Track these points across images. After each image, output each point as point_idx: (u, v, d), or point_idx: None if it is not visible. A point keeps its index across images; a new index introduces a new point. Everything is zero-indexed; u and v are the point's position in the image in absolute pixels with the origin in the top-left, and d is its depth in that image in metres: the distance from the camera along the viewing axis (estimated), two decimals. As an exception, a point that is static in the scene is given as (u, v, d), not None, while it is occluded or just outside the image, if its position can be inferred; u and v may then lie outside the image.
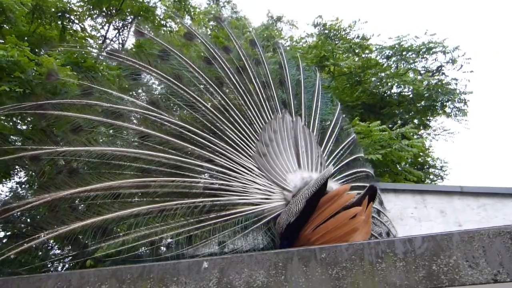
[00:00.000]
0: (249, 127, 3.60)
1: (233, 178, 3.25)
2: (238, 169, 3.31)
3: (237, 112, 3.61)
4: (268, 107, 3.85)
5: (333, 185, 3.20)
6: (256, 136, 3.54)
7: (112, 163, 3.09)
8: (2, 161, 3.14)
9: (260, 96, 3.85)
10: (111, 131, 3.26)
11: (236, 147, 3.41)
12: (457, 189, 6.69)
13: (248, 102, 3.75)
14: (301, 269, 1.58)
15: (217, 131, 3.44)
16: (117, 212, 2.91)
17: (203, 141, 3.33)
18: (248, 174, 3.31)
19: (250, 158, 3.38)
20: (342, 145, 4.16)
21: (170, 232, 3.02)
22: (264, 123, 3.69)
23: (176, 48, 3.70)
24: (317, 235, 2.83)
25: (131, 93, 3.53)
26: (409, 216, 6.33)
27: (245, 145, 3.46)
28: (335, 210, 2.83)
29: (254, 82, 3.91)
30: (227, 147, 3.38)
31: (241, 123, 3.58)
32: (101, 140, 3.13)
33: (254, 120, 3.66)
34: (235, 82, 3.79)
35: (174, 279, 1.71)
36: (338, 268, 1.55)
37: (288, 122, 3.80)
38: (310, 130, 3.95)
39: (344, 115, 4.66)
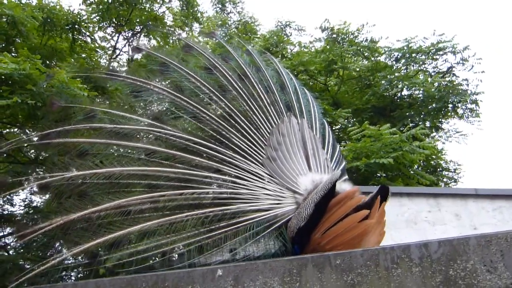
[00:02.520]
0: (256, 132, 3.56)
1: (243, 186, 3.24)
2: (247, 176, 3.29)
3: (242, 118, 3.58)
4: (274, 111, 3.81)
5: (344, 187, 3.15)
6: (264, 141, 3.50)
7: (121, 183, 3.12)
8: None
9: (265, 101, 3.81)
10: (117, 151, 3.31)
11: (244, 154, 3.39)
12: (472, 192, 6.59)
13: (253, 107, 3.71)
14: (316, 275, 1.57)
15: (224, 140, 3.43)
16: (128, 229, 2.95)
17: (210, 151, 3.33)
18: (257, 180, 3.29)
19: (259, 164, 3.36)
20: (338, 149, 4.15)
21: (181, 242, 3.05)
22: (271, 127, 3.64)
23: (176, 60, 3.70)
24: (327, 239, 2.81)
25: (137, 109, 3.57)
26: (423, 220, 6.25)
27: (253, 151, 3.44)
28: (344, 213, 2.79)
29: (257, 87, 3.88)
30: (235, 155, 3.36)
31: (247, 129, 3.54)
32: (107, 161, 3.14)
33: (261, 125, 3.61)
34: (238, 88, 3.78)
35: (189, 287, 1.72)
36: (353, 274, 1.54)
37: (294, 125, 3.76)
38: (314, 133, 3.92)
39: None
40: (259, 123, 3.63)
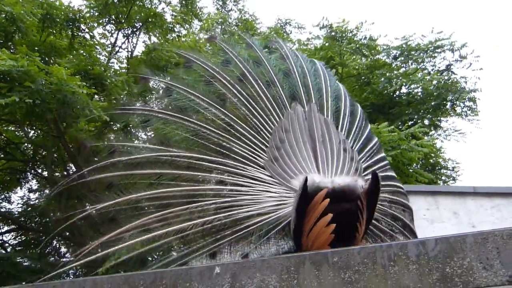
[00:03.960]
0: (257, 136, 3.58)
1: (245, 192, 3.28)
2: (249, 182, 3.34)
3: (242, 124, 3.63)
4: (276, 107, 3.77)
5: (359, 182, 3.11)
6: (265, 143, 3.54)
7: (138, 206, 3.42)
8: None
9: (265, 99, 3.77)
10: (133, 179, 3.57)
11: (245, 160, 3.44)
12: (470, 190, 6.61)
13: (253, 110, 3.71)
14: (314, 273, 1.57)
15: (225, 151, 3.51)
16: (146, 247, 3.25)
17: (212, 164, 3.44)
18: (260, 184, 3.31)
19: (261, 167, 3.40)
20: (358, 118, 4.06)
21: (193, 254, 3.23)
22: (273, 126, 3.64)
23: (179, 82, 3.86)
24: (310, 243, 2.88)
25: (148, 136, 3.82)
26: (421, 217, 6.27)
27: (254, 156, 3.47)
28: (315, 217, 2.82)
29: (257, 85, 3.86)
30: (236, 163, 3.42)
31: (247, 134, 3.58)
32: (126, 190, 3.45)
33: (262, 127, 3.62)
34: (237, 93, 3.80)
35: (186, 285, 1.72)
36: (351, 272, 1.54)
37: (300, 115, 3.67)
38: (325, 114, 3.84)
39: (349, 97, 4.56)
40: (260, 125, 3.64)
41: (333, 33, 14.61)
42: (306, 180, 2.79)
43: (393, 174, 4.13)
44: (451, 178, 14.03)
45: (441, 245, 1.50)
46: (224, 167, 3.40)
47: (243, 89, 3.79)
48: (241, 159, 3.42)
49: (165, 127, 3.77)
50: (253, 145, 3.48)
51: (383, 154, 4.17)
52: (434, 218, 6.19)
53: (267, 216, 3.16)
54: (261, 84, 3.85)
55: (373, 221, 3.39)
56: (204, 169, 3.45)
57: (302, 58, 4.48)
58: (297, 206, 2.84)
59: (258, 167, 3.39)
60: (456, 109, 13.21)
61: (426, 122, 13.60)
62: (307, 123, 3.61)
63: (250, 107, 3.68)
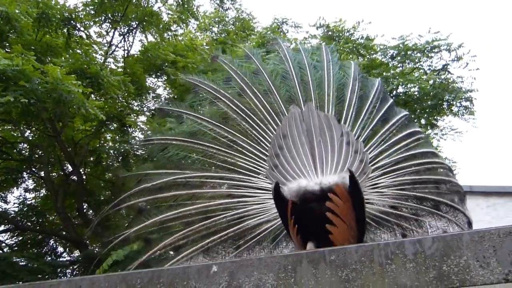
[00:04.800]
0: (257, 147, 3.71)
1: (252, 202, 3.47)
2: (255, 192, 3.52)
3: (243, 138, 3.79)
4: (273, 115, 3.85)
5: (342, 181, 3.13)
6: (265, 152, 3.65)
7: (163, 226, 3.76)
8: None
9: (263, 110, 3.89)
10: (157, 203, 3.96)
11: (249, 172, 3.61)
12: (467, 189, 6.62)
13: (252, 123, 3.86)
14: (311, 271, 1.57)
15: (230, 166, 3.72)
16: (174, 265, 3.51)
17: (220, 180, 3.71)
18: (265, 193, 3.45)
19: (264, 177, 3.54)
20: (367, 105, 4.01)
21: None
22: (272, 134, 3.74)
23: (189, 110, 4.14)
24: (295, 242, 3.04)
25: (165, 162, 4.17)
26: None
27: (257, 166, 3.62)
28: (288, 220, 2.97)
29: (255, 97, 3.99)
30: (241, 176, 3.61)
31: (249, 147, 3.73)
32: (152, 212, 3.84)
33: (262, 138, 3.77)
34: (237, 109, 3.95)
35: (184, 283, 1.72)
36: (348, 270, 1.54)
37: (297, 117, 3.71)
38: (326, 109, 3.87)
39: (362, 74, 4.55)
40: (260, 136, 3.79)
41: (330, 33, 14.62)
42: (276, 186, 2.91)
43: (423, 150, 4.01)
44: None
45: (438, 244, 1.51)
46: (231, 181, 3.64)
47: (243, 104, 3.98)
48: (246, 172, 3.61)
49: (179, 152, 4.09)
50: (255, 157, 3.65)
51: (410, 130, 4.07)
52: (430, 217, 6.20)
53: (275, 222, 3.39)
54: (259, 95, 3.95)
55: (389, 209, 3.48)
56: (214, 186, 3.73)
57: (303, 51, 4.50)
58: (278, 211, 3.02)
59: (261, 177, 3.55)
60: (452, 108, 13.25)
61: (423, 121, 13.63)
62: (305, 125, 3.64)
63: (250, 120, 3.84)
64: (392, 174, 3.62)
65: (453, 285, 1.41)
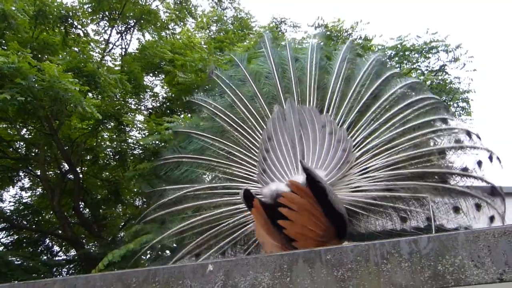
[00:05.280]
0: (248, 154, 3.83)
1: None
2: None
3: (237, 148, 3.93)
4: (259, 120, 3.92)
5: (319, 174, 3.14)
6: (255, 158, 3.75)
7: (183, 235, 4.01)
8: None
9: (250, 116, 3.98)
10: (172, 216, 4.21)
11: (244, 179, 3.74)
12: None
13: (242, 131, 3.98)
14: (307, 270, 1.58)
15: (231, 176, 3.89)
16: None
17: (225, 190, 3.88)
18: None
19: (255, 182, 3.66)
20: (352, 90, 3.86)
21: None
22: (259, 140, 3.82)
23: (198, 130, 4.36)
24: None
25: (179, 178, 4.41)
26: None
27: (249, 172, 3.72)
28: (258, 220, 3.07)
29: (243, 106, 4.13)
30: (239, 184, 3.74)
31: (241, 155, 3.87)
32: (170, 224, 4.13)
33: (251, 145, 3.87)
34: (229, 121, 4.09)
35: (179, 282, 1.72)
36: (344, 270, 1.55)
37: (280, 117, 3.75)
38: (308, 101, 3.84)
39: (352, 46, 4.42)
40: (250, 144, 3.86)
41: (328, 33, 14.62)
42: (243, 192, 2.95)
43: (428, 118, 3.71)
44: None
45: (433, 243, 1.51)
46: (234, 190, 3.75)
47: (234, 115, 4.03)
48: (242, 180, 3.73)
49: (189, 168, 4.31)
50: (248, 165, 3.72)
51: (410, 100, 3.80)
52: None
53: None
54: (247, 102, 4.05)
55: (384, 193, 3.31)
56: (220, 195, 3.86)
57: (288, 45, 4.48)
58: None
59: (253, 182, 3.67)
60: (449, 109, 13.29)
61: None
62: (287, 123, 3.67)
63: (241, 129, 3.95)
64: (385, 153, 3.47)
65: (448, 285, 1.41)
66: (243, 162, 3.83)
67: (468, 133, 3.75)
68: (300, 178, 3.00)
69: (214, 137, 4.11)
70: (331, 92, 3.88)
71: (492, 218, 3.44)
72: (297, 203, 2.82)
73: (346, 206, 3.21)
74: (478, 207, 3.49)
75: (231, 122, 4.09)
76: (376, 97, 3.86)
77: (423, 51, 13.06)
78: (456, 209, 3.50)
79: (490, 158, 3.60)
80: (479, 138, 3.74)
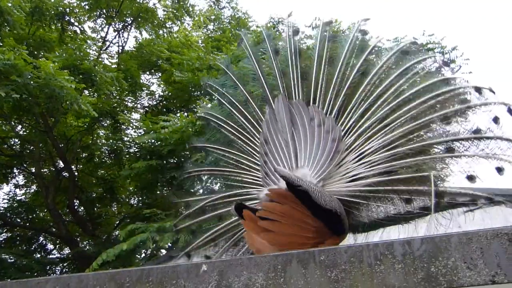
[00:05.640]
0: (251, 159, 3.79)
1: None
2: (258, 203, 3.64)
3: (242, 155, 3.88)
4: (255, 124, 3.87)
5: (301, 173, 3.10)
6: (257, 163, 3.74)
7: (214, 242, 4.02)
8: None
9: (247, 122, 3.94)
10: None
11: (253, 185, 3.71)
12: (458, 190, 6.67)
13: (243, 138, 3.95)
14: (300, 271, 1.58)
15: (242, 183, 3.88)
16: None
17: (235, 198, 3.85)
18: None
19: (261, 186, 3.62)
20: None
21: None
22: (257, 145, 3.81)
23: (210, 143, 4.39)
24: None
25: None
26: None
27: (256, 177, 3.69)
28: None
29: (239, 113, 4.07)
30: (249, 190, 3.72)
31: (246, 162, 3.82)
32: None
33: (253, 150, 3.81)
34: (231, 129, 4.06)
35: (173, 282, 1.71)
36: (337, 271, 1.55)
37: (272, 118, 3.62)
38: (294, 95, 3.67)
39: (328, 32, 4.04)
40: (251, 149, 3.84)
41: (325, 33, 14.64)
42: (234, 207, 2.90)
43: (427, 83, 3.37)
44: (439, 178, 14.16)
45: (427, 245, 1.52)
46: (243, 197, 3.73)
47: (234, 123, 4.00)
48: (251, 186, 3.71)
49: (208, 179, 4.40)
50: (254, 170, 3.68)
51: (403, 68, 3.47)
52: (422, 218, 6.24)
53: None
54: (241, 108, 3.97)
55: (383, 177, 3.07)
56: (232, 204, 3.82)
57: (267, 38, 4.27)
58: None
59: (262, 187, 3.59)
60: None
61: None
62: (279, 123, 3.55)
63: (241, 136, 3.89)
64: (380, 133, 3.19)
65: (440, 286, 1.42)
66: (250, 169, 3.77)
67: (478, 90, 3.26)
68: (308, 178, 2.96)
69: (224, 148, 4.15)
70: (314, 80, 3.60)
71: None
72: (279, 211, 2.73)
73: (344, 198, 3.03)
74: (500, 170, 3.13)
75: (233, 131, 4.04)
76: (364, 73, 3.53)
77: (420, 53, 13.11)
78: (471, 178, 3.20)
79: (510, 111, 3.16)
80: (493, 92, 3.24)
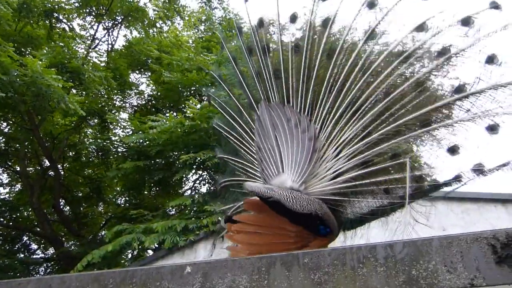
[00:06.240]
0: (253, 167, 3.69)
1: None
2: None
3: (248, 164, 3.80)
4: (249, 132, 3.81)
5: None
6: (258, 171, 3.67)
7: None
8: None
9: (243, 132, 3.83)
10: None
11: None
12: (441, 194, 6.78)
13: (244, 148, 3.83)
14: (284, 273, 1.59)
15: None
16: None
17: None
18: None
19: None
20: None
21: None
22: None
23: (226, 153, 4.27)
24: None
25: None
26: (394, 220, 6.39)
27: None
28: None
29: (237, 124, 3.88)
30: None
31: (252, 170, 3.81)
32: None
33: (252, 158, 3.70)
34: (233, 139, 3.97)
35: (157, 284, 1.71)
36: (321, 273, 1.56)
37: (259, 125, 3.46)
38: (272, 98, 3.41)
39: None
40: (251, 157, 3.74)
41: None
42: (224, 220, 2.87)
43: (389, 50, 3.01)
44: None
45: (408, 248, 1.54)
46: None
47: (236, 132, 3.89)
48: None
49: (232, 188, 4.29)
50: (258, 178, 3.60)
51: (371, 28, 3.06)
52: (405, 221, 6.32)
53: None
54: (237, 117, 3.85)
55: (361, 170, 2.89)
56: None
57: (239, 35, 4.02)
58: None
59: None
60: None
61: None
62: (264, 129, 3.43)
63: (242, 145, 3.80)
64: (352, 121, 2.89)
65: (421, 289, 1.44)
66: (255, 177, 3.76)
67: (465, 22, 2.68)
68: (288, 183, 2.93)
69: (233, 158, 4.11)
70: (284, 77, 3.32)
71: None
72: (255, 222, 2.71)
73: (329, 197, 3.00)
74: (492, 129, 2.70)
75: (235, 140, 3.98)
76: (329, 55, 3.16)
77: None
78: (453, 150, 2.87)
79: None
80: (498, 7, 2.52)
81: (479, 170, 2.81)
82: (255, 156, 3.57)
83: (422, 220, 3.11)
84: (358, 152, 2.87)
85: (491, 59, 2.70)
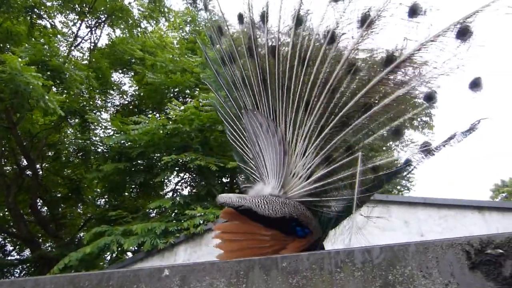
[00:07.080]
0: (253, 176, 3.63)
1: None
2: None
3: (251, 171, 3.80)
4: (243, 145, 3.78)
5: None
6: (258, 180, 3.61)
7: None
8: None
9: (240, 139, 3.77)
10: None
11: None
12: (421, 201, 6.92)
13: (245, 157, 3.78)
14: (262, 277, 1.59)
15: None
16: None
17: None
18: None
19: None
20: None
21: None
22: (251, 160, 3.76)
23: (241, 162, 4.14)
24: None
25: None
26: (373, 225, 6.48)
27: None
28: None
29: (234, 132, 3.75)
30: None
31: (254, 177, 3.75)
32: None
33: (252, 162, 3.68)
34: (237, 146, 3.89)
35: (134, 286, 1.68)
36: (299, 277, 1.57)
37: (250, 134, 3.40)
38: (250, 105, 3.33)
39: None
40: (252, 164, 3.71)
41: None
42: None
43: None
44: (406, 188, 14.60)
45: (385, 253, 1.56)
46: None
47: (238, 145, 3.83)
48: None
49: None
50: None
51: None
52: (386, 226, 6.42)
53: None
54: (233, 124, 3.76)
55: (325, 168, 2.82)
56: None
57: (215, 51, 3.80)
58: None
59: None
60: (413, 123, 13.78)
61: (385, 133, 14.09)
62: (250, 138, 3.39)
63: (243, 153, 3.71)
64: (308, 115, 2.82)
65: (396, 294, 1.46)
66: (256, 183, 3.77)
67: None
68: (267, 190, 2.94)
69: (241, 165, 4.10)
70: (249, 83, 3.20)
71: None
72: (230, 230, 2.76)
73: (306, 199, 3.01)
74: (430, 98, 2.55)
75: (238, 148, 3.92)
76: (272, 53, 3.12)
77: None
78: (397, 132, 2.74)
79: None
80: None
81: (426, 149, 2.67)
82: (253, 163, 3.52)
83: (371, 216, 2.95)
84: (319, 148, 2.79)
85: (413, 11, 2.39)
